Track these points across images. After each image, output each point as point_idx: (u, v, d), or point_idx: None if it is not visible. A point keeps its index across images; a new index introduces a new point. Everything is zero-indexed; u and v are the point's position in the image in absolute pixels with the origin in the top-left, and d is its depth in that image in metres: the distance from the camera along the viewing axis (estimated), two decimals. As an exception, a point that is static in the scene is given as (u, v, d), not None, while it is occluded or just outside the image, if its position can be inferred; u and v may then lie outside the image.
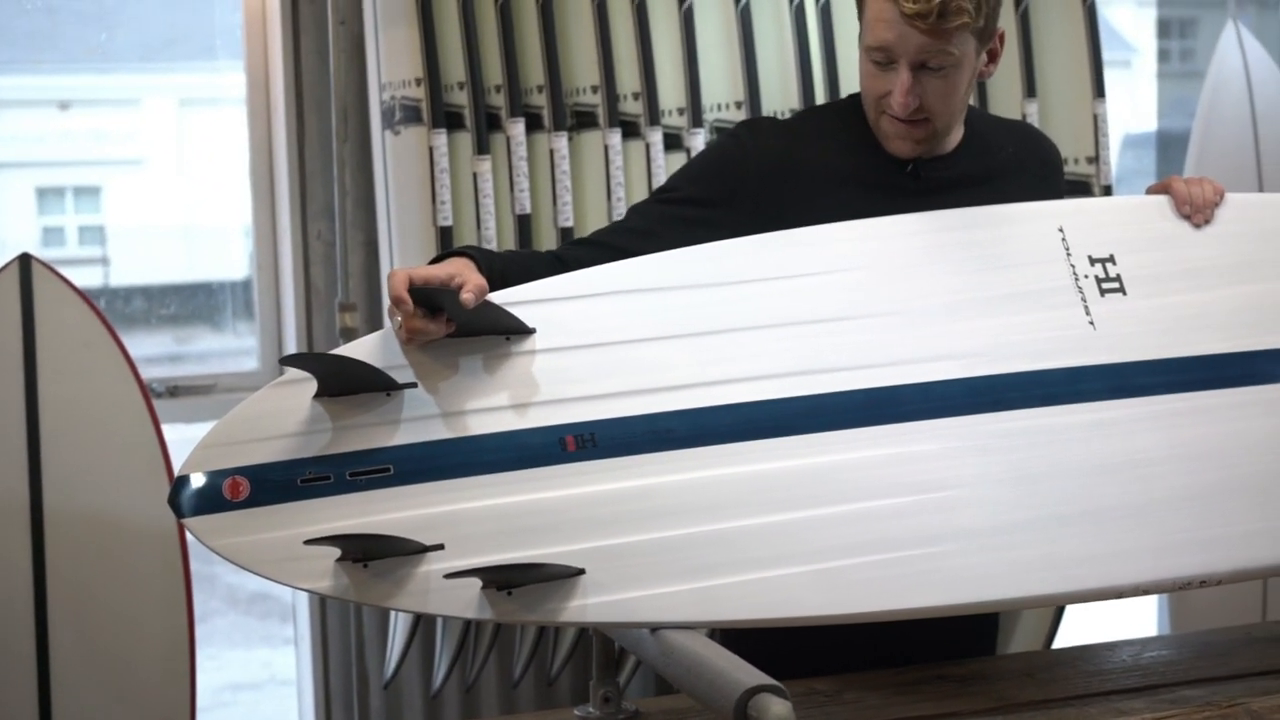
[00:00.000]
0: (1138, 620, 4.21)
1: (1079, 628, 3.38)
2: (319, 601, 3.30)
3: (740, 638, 2.24)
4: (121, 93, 4.06)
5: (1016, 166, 2.34)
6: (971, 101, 3.10)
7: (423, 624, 3.17)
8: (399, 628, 3.16)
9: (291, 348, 3.47)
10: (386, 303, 1.96)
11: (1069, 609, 3.27)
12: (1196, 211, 2.26)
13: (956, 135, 2.29)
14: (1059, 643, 3.32)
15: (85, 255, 4.20)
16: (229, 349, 3.75)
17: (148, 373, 3.15)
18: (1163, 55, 5.30)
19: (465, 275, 1.91)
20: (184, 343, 3.78)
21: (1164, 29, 5.24)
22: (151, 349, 3.74)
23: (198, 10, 3.62)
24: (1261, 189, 3.80)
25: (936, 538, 2.01)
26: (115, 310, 3.75)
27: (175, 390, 3.45)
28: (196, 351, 3.77)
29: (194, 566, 2.83)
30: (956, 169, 2.28)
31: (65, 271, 2.84)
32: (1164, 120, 4.87)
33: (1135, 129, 5.01)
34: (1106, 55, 3.29)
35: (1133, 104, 5.05)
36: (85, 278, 3.95)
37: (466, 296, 1.87)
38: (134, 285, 3.91)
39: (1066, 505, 2.07)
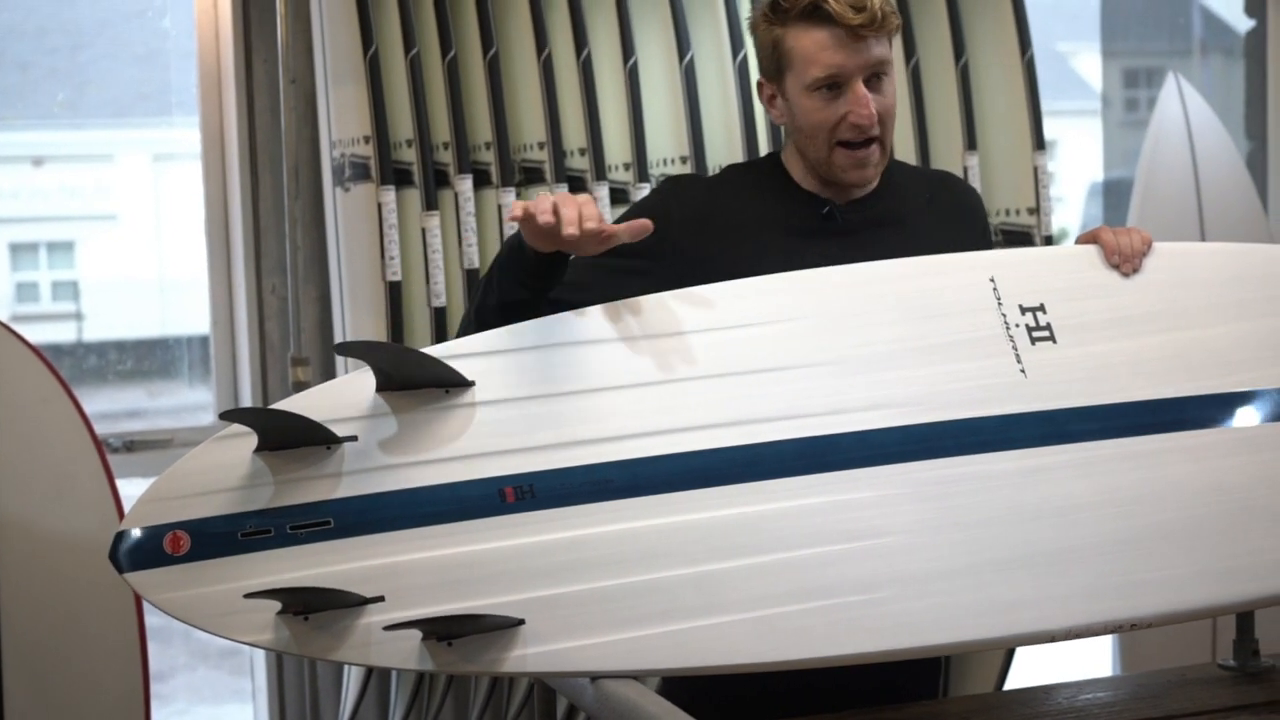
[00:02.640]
0: (1090, 660, 4.25)
1: (1031, 668, 3.42)
2: (275, 653, 3.32)
3: (682, 685, 2.27)
4: (95, 148, 4.10)
5: (935, 211, 2.41)
6: (912, 152, 3.19)
7: (376, 673, 3.19)
8: (353, 678, 3.18)
9: (246, 402, 3.50)
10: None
11: (1020, 650, 3.31)
12: (1125, 261, 2.31)
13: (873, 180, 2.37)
14: (1010, 683, 3.35)
15: (58, 310, 4.21)
16: (202, 403, 3.77)
17: (120, 427, 3.18)
18: (1130, 104, 5.38)
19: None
20: (157, 397, 3.80)
21: (1130, 79, 5.32)
22: (125, 403, 3.77)
23: (166, 67, 3.67)
24: (1203, 235, 3.87)
25: (872, 584, 2.04)
26: (88, 365, 3.77)
27: (132, 445, 3.47)
28: (169, 406, 3.79)
29: (160, 621, 2.85)
30: (873, 211, 2.35)
31: (38, 327, 2.88)
32: (1126, 168, 4.94)
33: (1100, 177, 5.09)
34: (1073, 105, 3.35)
35: (1101, 153, 5.14)
36: (58, 333, 3.98)
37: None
38: (107, 340, 3.93)
39: (1000, 551, 2.10)
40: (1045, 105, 3.31)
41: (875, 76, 2.27)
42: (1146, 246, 2.34)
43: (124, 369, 3.85)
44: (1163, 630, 2.23)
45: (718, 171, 2.54)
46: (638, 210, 2.39)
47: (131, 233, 4.03)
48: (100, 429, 3.36)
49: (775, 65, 2.31)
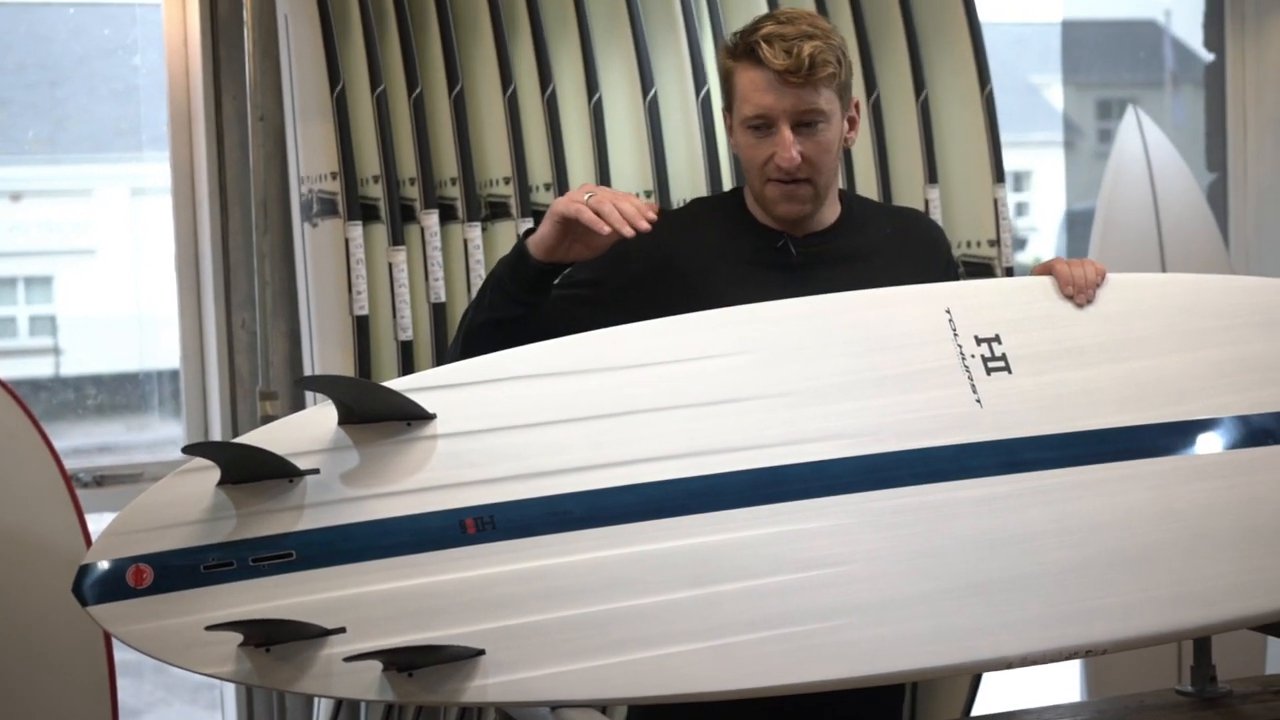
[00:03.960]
0: (1058, 684, 4.28)
1: (999, 693, 3.44)
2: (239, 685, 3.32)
3: (647, 715, 2.29)
4: (73, 183, 4.10)
5: (895, 246, 2.45)
6: (874, 186, 3.23)
7: (346, 704, 3.19)
8: (323, 709, 3.19)
9: (216, 436, 3.52)
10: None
11: (987, 675, 3.33)
12: (1079, 291, 2.35)
13: (832, 213, 2.42)
14: (978, 709, 3.37)
15: (36, 345, 4.22)
16: (175, 437, 3.78)
17: (98, 462, 3.19)
18: (1104, 135, 5.43)
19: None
20: (135, 432, 3.81)
21: (1104, 110, 5.38)
22: (103, 438, 3.78)
23: (143, 102, 3.69)
24: (1164, 267, 3.92)
25: (830, 612, 2.07)
26: (65, 400, 3.79)
27: (102, 480, 3.48)
28: (148, 441, 3.80)
29: (132, 656, 2.85)
30: (832, 244, 2.40)
31: (16, 362, 2.88)
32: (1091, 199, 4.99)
33: (1072, 207, 5.15)
34: (1048, 136, 3.39)
35: (1074, 183, 5.19)
36: (36, 368, 3.98)
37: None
38: (85, 374, 3.94)
39: (956, 579, 2.13)
40: (1019, 137, 3.35)
41: (804, 123, 2.32)
42: (1100, 277, 2.38)
43: (101, 404, 3.86)
44: (1130, 654, 2.26)
45: (682, 205, 2.58)
46: None
47: (110, 267, 4.04)
48: (77, 464, 3.38)
49: (727, 97, 2.39)
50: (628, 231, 2.15)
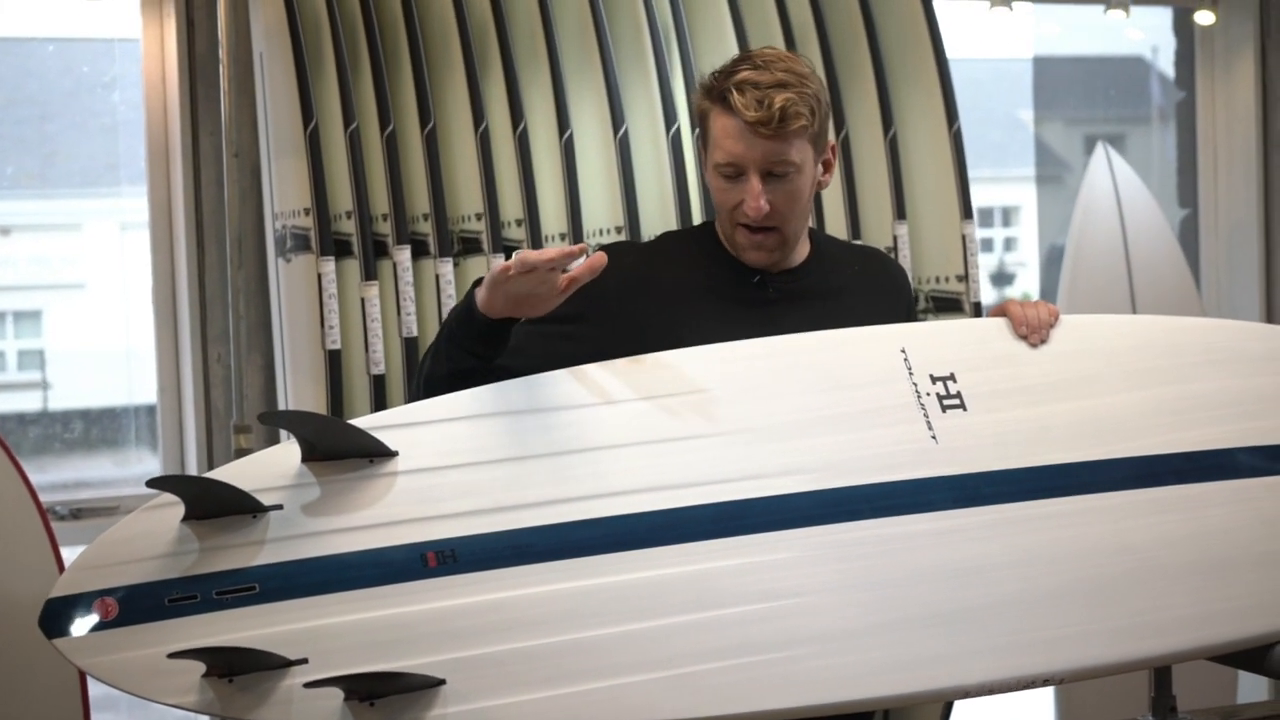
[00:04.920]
0: (1030, 711, 4.30)
1: (973, 717, 3.47)
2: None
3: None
4: (62, 217, 4.13)
5: (862, 284, 2.48)
6: (843, 222, 3.27)
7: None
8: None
9: (192, 469, 3.55)
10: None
11: (959, 702, 3.35)
12: (1032, 331, 2.39)
13: (803, 251, 2.44)
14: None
15: (25, 380, 4.24)
16: (154, 471, 3.79)
17: (75, 495, 3.21)
18: (1090, 170, 5.47)
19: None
20: (123, 465, 3.83)
21: (1091, 145, 5.43)
22: (91, 472, 3.79)
23: (129, 137, 3.72)
24: (1133, 300, 3.96)
25: (789, 642, 2.10)
26: (54, 434, 3.81)
27: (79, 513, 3.51)
28: (135, 474, 3.82)
29: (107, 691, 2.87)
30: (803, 282, 2.42)
31: (3, 396, 2.90)
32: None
33: (1060, 241, 5.19)
34: (1037, 171, 3.42)
35: (1062, 218, 5.23)
36: (25, 402, 4.01)
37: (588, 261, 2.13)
38: (73, 409, 3.96)
39: (915, 609, 2.16)
40: (1007, 172, 3.39)
41: (774, 173, 2.31)
42: (1054, 318, 2.41)
43: (89, 438, 3.88)
44: (1103, 683, 2.29)
45: (654, 238, 2.60)
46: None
47: (98, 301, 4.07)
48: (63, 497, 3.40)
49: (703, 138, 2.39)
50: (567, 263, 2.13)
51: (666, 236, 2.57)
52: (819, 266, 2.45)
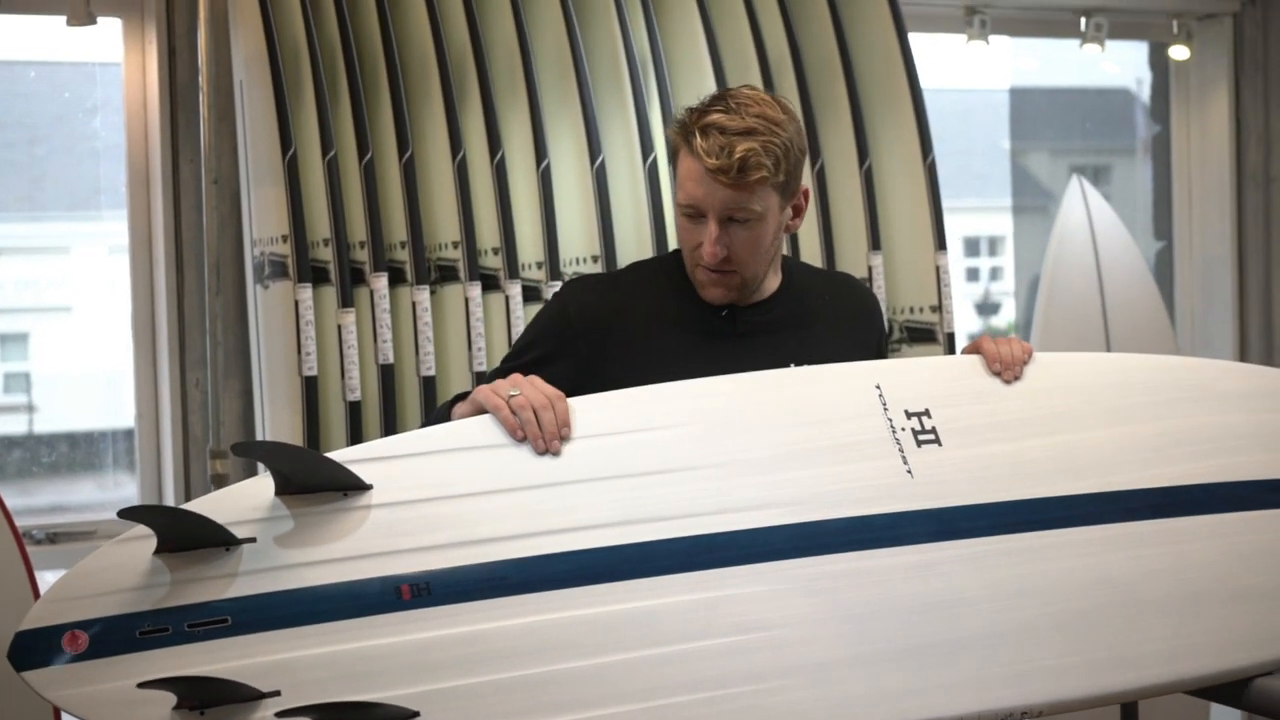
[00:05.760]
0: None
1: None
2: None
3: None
4: (51, 240, 4.13)
5: (832, 313, 2.48)
6: (818, 252, 3.28)
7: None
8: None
9: (170, 494, 3.54)
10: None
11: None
12: (1006, 368, 2.39)
13: (773, 283, 2.44)
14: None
15: (10, 402, 4.23)
16: (133, 496, 3.78)
17: (57, 519, 3.19)
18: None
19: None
20: (109, 489, 3.81)
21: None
22: (75, 495, 3.78)
23: (111, 162, 3.72)
24: (1107, 332, 3.98)
25: (764, 675, 2.10)
26: (38, 457, 3.80)
27: (55, 537, 3.50)
28: (112, 499, 3.80)
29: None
30: (772, 314, 2.42)
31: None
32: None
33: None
34: (1023, 201, 3.43)
35: (1014, 250, 5.26)
36: (10, 425, 3.99)
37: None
38: (59, 432, 3.95)
39: (890, 642, 2.16)
40: (992, 202, 3.40)
41: (734, 219, 2.30)
42: (1027, 355, 2.42)
43: (73, 461, 3.87)
44: (1082, 714, 2.29)
45: (623, 268, 2.60)
46: (541, 318, 2.47)
47: (85, 324, 4.06)
48: (42, 521, 3.39)
49: (674, 173, 2.38)
50: (539, 447, 2.15)
51: (635, 266, 2.57)
52: (788, 298, 2.45)
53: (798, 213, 2.40)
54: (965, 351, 2.45)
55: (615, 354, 2.34)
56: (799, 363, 2.37)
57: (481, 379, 2.71)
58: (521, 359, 2.37)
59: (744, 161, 2.25)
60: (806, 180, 2.40)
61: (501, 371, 2.34)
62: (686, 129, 2.30)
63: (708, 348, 2.37)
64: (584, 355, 2.34)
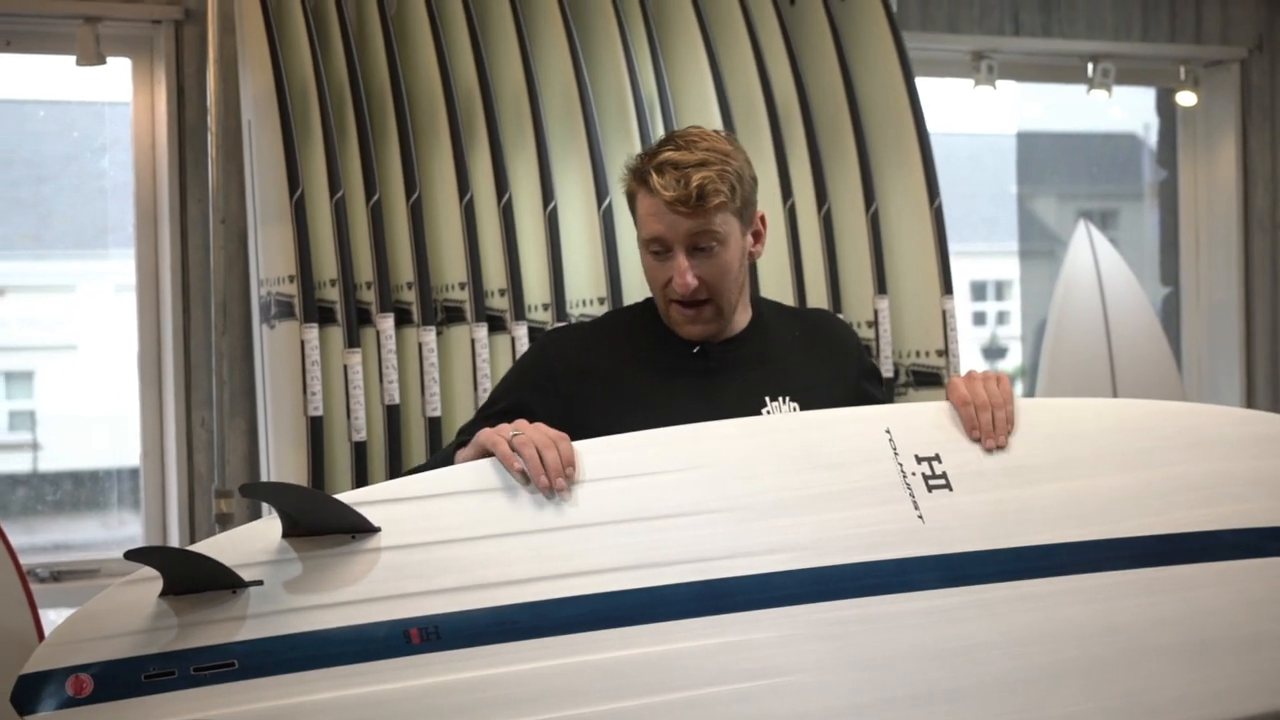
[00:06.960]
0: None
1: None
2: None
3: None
4: (57, 279, 4.14)
5: (805, 345, 2.49)
6: (824, 295, 3.28)
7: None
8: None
9: (174, 533, 3.53)
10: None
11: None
12: (987, 437, 2.36)
13: (744, 318, 2.46)
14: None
15: (15, 440, 4.22)
16: (138, 535, 3.76)
17: (62, 558, 3.18)
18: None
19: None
20: (113, 528, 3.80)
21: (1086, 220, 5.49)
22: (80, 534, 3.77)
23: (124, 200, 3.73)
24: (1113, 377, 3.98)
25: (772, 721, 2.08)
26: (43, 495, 3.79)
27: (59, 575, 3.48)
28: (117, 538, 3.79)
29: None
30: (743, 350, 2.44)
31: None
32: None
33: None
34: (1030, 246, 3.43)
35: (1020, 294, 5.26)
36: (14, 463, 3.98)
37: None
38: (63, 470, 3.94)
39: (899, 689, 2.15)
40: (999, 246, 3.40)
41: (700, 247, 2.33)
42: (1010, 425, 2.37)
43: (78, 499, 3.87)
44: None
45: (599, 316, 2.62)
46: (520, 367, 2.50)
47: (91, 363, 4.06)
48: (47, 559, 3.37)
49: (633, 218, 2.40)
50: (541, 483, 2.15)
51: (611, 314, 2.62)
52: (759, 334, 2.47)
53: (758, 238, 2.43)
54: (948, 392, 2.43)
55: (592, 400, 2.36)
56: (773, 396, 2.39)
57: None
58: (497, 407, 2.37)
59: (701, 189, 2.29)
60: (762, 207, 2.43)
61: (478, 421, 2.35)
62: (641, 171, 2.35)
63: (681, 384, 2.38)
64: (562, 403, 2.35)
